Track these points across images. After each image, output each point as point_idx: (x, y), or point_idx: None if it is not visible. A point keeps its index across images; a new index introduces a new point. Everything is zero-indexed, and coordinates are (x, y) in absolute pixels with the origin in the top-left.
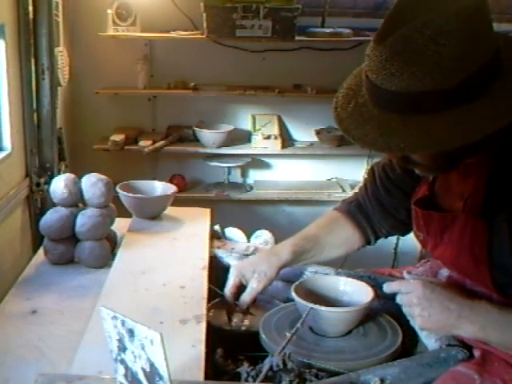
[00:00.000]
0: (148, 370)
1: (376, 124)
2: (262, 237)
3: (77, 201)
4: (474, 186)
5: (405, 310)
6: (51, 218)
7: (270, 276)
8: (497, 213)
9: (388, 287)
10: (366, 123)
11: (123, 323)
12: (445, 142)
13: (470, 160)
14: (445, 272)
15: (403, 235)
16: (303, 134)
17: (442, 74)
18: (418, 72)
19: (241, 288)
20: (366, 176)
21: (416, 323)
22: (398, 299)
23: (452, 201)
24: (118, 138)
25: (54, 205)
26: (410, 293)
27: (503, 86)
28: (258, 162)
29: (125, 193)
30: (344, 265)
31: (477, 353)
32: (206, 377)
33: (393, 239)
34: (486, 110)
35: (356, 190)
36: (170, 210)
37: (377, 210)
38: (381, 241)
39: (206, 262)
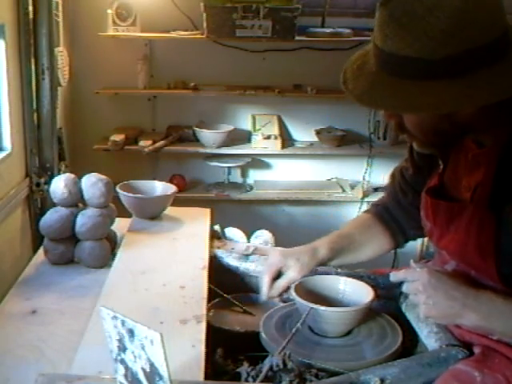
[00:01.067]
0: (148, 370)
1: (368, 80)
2: (262, 237)
3: (77, 201)
4: (483, 177)
5: (411, 297)
6: (51, 218)
7: (309, 269)
8: (505, 204)
9: (395, 276)
10: (360, 79)
11: (123, 323)
12: (418, 108)
13: (476, 149)
14: (449, 267)
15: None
16: (303, 133)
17: (430, 44)
18: (408, 37)
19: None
20: (388, 180)
21: (421, 311)
22: (404, 288)
23: (460, 192)
24: (118, 137)
25: (54, 205)
26: (415, 281)
27: (497, 71)
28: (258, 161)
29: (125, 193)
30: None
31: (477, 350)
32: (206, 377)
33: None
34: (466, 88)
35: (358, 189)
36: (170, 210)
37: (398, 212)
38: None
39: (206, 262)
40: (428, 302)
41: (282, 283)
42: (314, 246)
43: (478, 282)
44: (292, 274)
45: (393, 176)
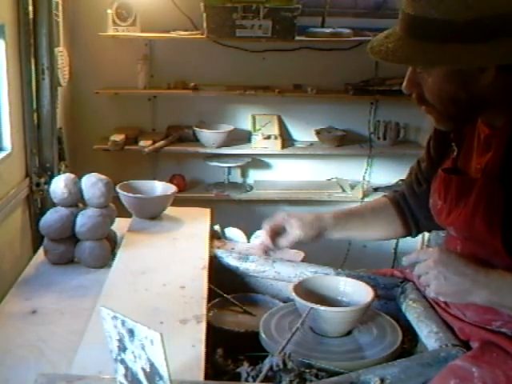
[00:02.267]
0: (148, 369)
1: (391, 41)
2: (262, 237)
3: (77, 201)
4: (493, 154)
5: (422, 278)
6: (51, 218)
7: (311, 228)
8: None
9: (407, 259)
10: (384, 40)
11: (123, 323)
12: (434, 61)
13: (488, 130)
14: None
15: (439, 229)
16: (303, 134)
17: (455, 5)
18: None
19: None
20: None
21: (431, 289)
22: (416, 269)
23: (471, 173)
24: (118, 137)
25: (54, 205)
26: (427, 259)
27: None
28: (258, 162)
29: (125, 193)
30: (344, 265)
31: (475, 345)
32: (206, 377)
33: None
34: (489, 51)
35: (358, 189)
36: (170, 210)
37: (413, 201)
38: (381, 241)
39: (206, 262)
40: (439, 277)
41: (284, 242)
42: (320, 215)
43: (487, 261)
44: (294, 231)
45: (412, 167)
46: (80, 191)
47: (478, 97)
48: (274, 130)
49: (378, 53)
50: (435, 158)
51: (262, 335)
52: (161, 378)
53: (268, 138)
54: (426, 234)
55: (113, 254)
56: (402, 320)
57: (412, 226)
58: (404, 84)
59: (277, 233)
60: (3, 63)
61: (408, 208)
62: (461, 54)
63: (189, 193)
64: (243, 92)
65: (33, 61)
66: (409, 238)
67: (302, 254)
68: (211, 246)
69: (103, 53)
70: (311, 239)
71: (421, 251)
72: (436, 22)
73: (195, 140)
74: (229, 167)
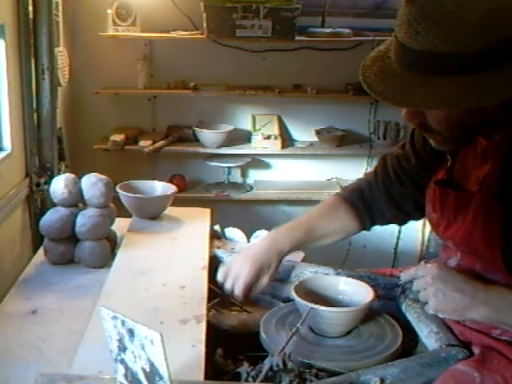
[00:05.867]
0: (148, 370)
1: (397, 81)
2: (262, 237)
3: (77, 201)
4: (491, 167)
5: (420, 295)
6: (51, 218)
7: (276, 271)
8: None
9: (405, 275)
10: (389, 80)
11: (123, 323)
12: (459, 102)
13: (485, 142)
14: (452, 261)
15: (400, 225)
16: (303, 133)
17: (465, 37)
18: (441, 33)
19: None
20: (376, 164)
21: (430, 306)
22: (415, 285)
23: (469, 186)
24: (118, 137)
25: (54, 205)
26: (425, 276)
27: None
28: (258, 161)
29: (125, 193)
30: (344, 265)
31: (476, 350)
32: (206, 377)
33: (393, 239)
34: (503, 79)
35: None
36: (170, 210)
37: (383, 198)
38: (381, 241)
39: (206, 261)
40: (437, 294)
41: (255, 290)
42: (278, 248)
43: (484, 277)
44: (265, 281)
45: (383, 161)
46: (80, 191)
47: (488, 118)
48: (274, 129)
49: (385, 95)
50: (427, 160)
51: (262, 335)
52: (161, 377)
53: (268, 137)
54: (426, 234)
55: (113, 254)
56: (402, 320)
57: (367, 223)
58: (404, 113)
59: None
60: (3, 63)
61: (365, 207)
62: (479, 90)
63: (189, 193)
64: (243, 92)
65: (33, 61)
66: (409, 238)
67: (301, 254)
68: (211, 246)
69: (103, 53)
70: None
71: (419, 267)
72: (446, 56)
73: (195, 140)
74: (229, 167)
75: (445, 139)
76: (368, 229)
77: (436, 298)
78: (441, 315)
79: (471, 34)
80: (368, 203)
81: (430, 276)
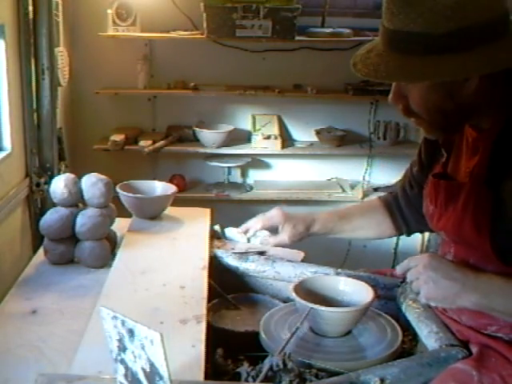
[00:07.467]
0: (148, 369)
1: (377, 60)
2: (262, 237)
3: (77, 201)
4: (480, 156)
5: (413, 285)
6: (51, 218)
7: (300, 238)
8: (501, 181)
9: (400, 267)
10: (371, 59)
11: (123, 323)
12: (422, 77)
13: (476, 133)
14: (449, 256)
15: (430, 231)
16: (303, 133)
17: (433, 18)
18: (412, 13)
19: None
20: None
21: (422, 294)
22: (408, 276)
23: (460, 178)
24: (118, 137)
25: (54, 205)
26: (417, 265)
27: (494, 47)
28: (257, 162)
29: (125, 193)
30: (344, 265)
31: (474, 349)
32: (206, 377)
33: (393, 239)
34: (471, 58)
35: (358, 189)
36: (170, 210)
37: (405, 203)
38: (381, 241)
39: (206, 261)
40: (428, 281)
41: (271, 240)
42: (312, 218)
43: (478, 267)
44: (284, 238)
45: (406, 169)
46: (80, 191)
47: (465, 104)
48: (274, 130)
49: (360, 70)
50: (426, 163)
51: (262, 335)
52: (161, 378)
53: (268, 137)
54: (426, 234)
55: (113, 254)
56: (402, 320)
57: (402, 227)
58: (390, 96)
59: (267, 228)
60: (3, 63)
61: (399, 209)
62: (443, 67)
63: (189, 193)
64: (243, 92)
65: (33, 61)
66: (409, 239)
67: (302, 254)
68: (211, 246)
69: (103, 53)
70: (295, 242)
71: (412, 258)
72: (416, 35)
73: (195, 140)
74: (229, 167)
75: (430, 126)
76: (405, 234)
77: (427, 286)
78: (432, 303)
79: (440, 16)
80: (401, 207)
81: (421, 265)
